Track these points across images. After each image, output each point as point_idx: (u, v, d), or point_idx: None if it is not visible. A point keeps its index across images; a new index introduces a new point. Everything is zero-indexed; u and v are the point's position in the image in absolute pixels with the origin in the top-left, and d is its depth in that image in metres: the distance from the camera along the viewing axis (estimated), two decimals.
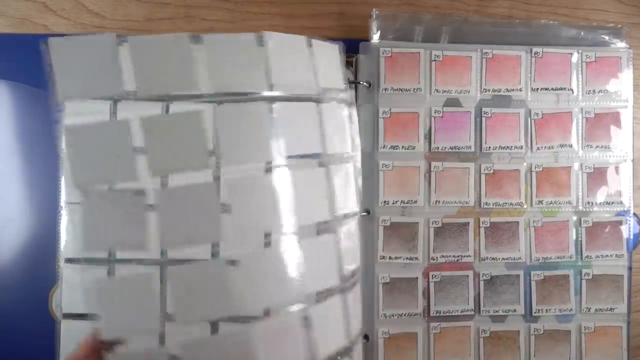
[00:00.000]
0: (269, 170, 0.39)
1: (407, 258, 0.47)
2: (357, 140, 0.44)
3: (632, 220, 0.50)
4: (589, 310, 0.49)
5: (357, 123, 0.45)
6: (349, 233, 0.42)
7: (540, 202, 0.49)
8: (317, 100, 0.41)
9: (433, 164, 0.48)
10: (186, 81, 0.36)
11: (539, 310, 0.49)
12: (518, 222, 0.49)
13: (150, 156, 0.35)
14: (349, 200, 0.42)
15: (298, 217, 0.38)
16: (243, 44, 0.38)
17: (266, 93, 0.38)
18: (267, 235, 0.38)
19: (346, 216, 0.42)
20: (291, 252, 0.38)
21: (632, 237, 0.50)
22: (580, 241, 0.49)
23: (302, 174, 0.39)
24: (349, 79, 0.47)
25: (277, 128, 0.38)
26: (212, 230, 0.36)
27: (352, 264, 0.42)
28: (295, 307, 0.37)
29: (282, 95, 0.39)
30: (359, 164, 0.44)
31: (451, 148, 0.48)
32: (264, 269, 0.37)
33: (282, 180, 0.38)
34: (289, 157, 0.39)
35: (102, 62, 0.35)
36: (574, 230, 0.49)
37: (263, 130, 0.38)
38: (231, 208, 0.36)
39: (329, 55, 0.43)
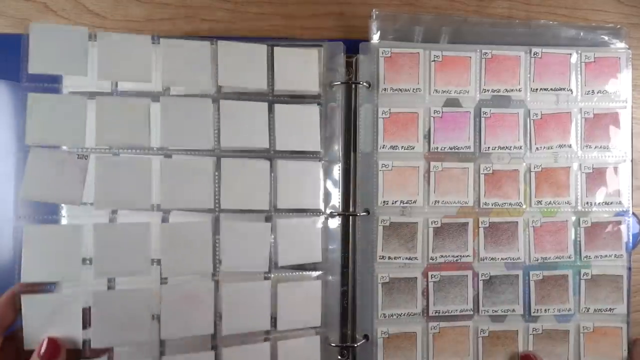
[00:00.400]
0: (217, 159, 0.43)
1: (406, 258, 0.47)
2: (339, 140, 0.46)
3: (631, 221, 0.50)
4: (588, 311, 0.49)
5: (338, 123, 0.46)
6: (298, 228, 0.44)
7: (540, 202, 0.49)
8: (269, 101, 0.44)
9: (432, 164, 0.48)
10: (141, 75, 0.41)
11: (538, 310, 0.49)
12: (517, 222, 0.49)
13: (98, 129, 0.39)
14: (302, 196, 0.45)
15: (227, 198, 0.42)
16: (196, 47, 0.42)
17: (212, 91, 0.43)
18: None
19: (297, 211, 0.45)
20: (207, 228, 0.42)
21: (631, 237, 0.50)
22: (579, 241, 0.49)
23: (236, 161, 0.43)
24: (351, 79, 0.48)
25: (221, 119, 0.43)
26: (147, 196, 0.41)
27: (299, 258, 0.44)
28: (203, 276, 0.42)
29: (228, 93, 0.44)
30: (336, 164, 0.46)
31: (450, 148, 0.48)
32: (202, 235, 0.42)
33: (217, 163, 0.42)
34: (233, 148, 0.43)
35: (72, 48, 0.40)
36: (573, 231, 0.49)
37: (207, 120, 0.42)
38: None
39: (299, 61, 0.45)
